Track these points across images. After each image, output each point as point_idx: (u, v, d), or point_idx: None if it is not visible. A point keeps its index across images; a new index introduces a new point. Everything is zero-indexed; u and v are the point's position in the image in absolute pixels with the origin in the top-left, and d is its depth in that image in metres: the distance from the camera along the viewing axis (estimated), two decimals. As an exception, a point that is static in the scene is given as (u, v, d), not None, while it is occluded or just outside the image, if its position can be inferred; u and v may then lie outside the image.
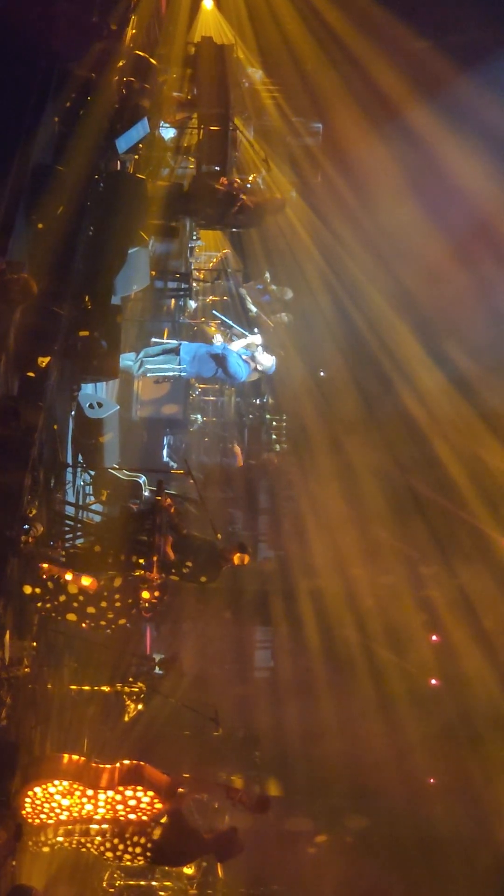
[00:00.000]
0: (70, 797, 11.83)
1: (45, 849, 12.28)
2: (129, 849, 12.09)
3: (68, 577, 12.51)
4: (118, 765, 12.06)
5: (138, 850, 12.08)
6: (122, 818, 11.98)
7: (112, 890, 17.77)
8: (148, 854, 12.12)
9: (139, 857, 12.14)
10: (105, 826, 12.04)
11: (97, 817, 11.95)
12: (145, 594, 12.87)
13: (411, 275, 24.30)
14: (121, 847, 12.08)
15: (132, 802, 11.91)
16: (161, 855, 12.24)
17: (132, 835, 12.05)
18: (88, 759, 12.14)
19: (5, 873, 11.77)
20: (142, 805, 11.93)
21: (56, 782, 11.82)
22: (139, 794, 11.91)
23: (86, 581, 12.56)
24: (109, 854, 12.16)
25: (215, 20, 22.90)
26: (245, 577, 20.60)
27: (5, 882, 11.70)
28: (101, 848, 12.16)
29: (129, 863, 12.42)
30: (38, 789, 11.80)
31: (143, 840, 12.04)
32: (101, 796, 11.87)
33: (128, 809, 11.94)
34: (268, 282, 24.21)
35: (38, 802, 11.81)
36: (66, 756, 12.12)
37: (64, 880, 14.34)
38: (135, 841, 12.06)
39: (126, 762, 12.12)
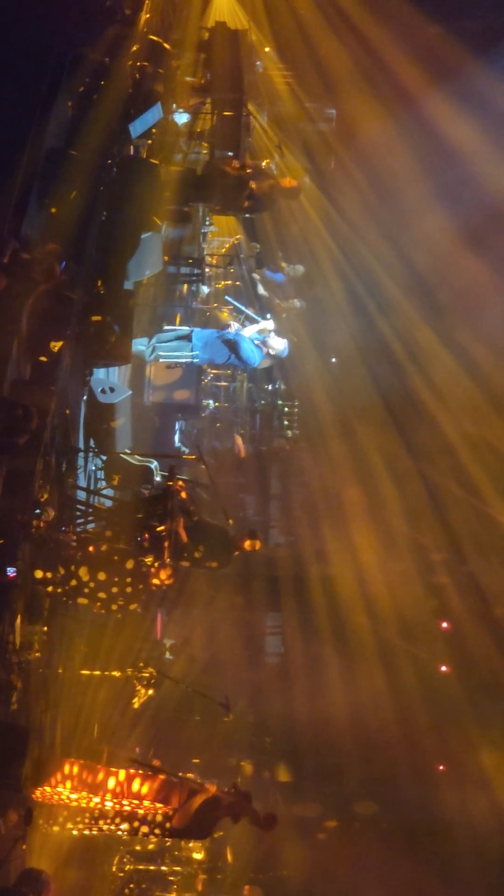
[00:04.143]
0: (77, 793, 11.82)
1: (56, 828, 12.27)
2: (146, 826, 11.98)
3: None
4: (125, 772, 11.98)
5: (156, 829, 11.99)
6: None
7: (122, 874, 17.81)
8: (166, 828, 12.01)
9: (157, 830, 12.04)
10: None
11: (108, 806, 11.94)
12: (155, 581, 12.90)
13: (424, 260, 24.24)
14: (137, 823, 11.97)
15: (137, 802, 11.88)
16: (178, 830, 12.13)
17: (148, 812, 11.97)
18: (95, 763, 12.10)
19: (16, 857, 11.80)
20: (146, 804, 11.88)
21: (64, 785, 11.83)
22: (146, 803, 11.86)
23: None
24: (125, 825, 12.03)
25: (229, 5, 22.79)
26: (256, 563, 20.57)
27: (16, 866, 11.73)
28: (117, 820, 12.05)
29: (145, 837, 12.30)
30: (46, 787, 11.82)
31: (159, 818, 11.96)
32: (108, 803, 11.86)
33: (134, 808, 11.90)
34: (279, 258, 24.15)
35: (47, 793, 11.82)
36: (70, 763, 12.04)
37: (74, 864, 14.38)
38: (149, 819, 11.97)
39: (132, 770, 12.05)
